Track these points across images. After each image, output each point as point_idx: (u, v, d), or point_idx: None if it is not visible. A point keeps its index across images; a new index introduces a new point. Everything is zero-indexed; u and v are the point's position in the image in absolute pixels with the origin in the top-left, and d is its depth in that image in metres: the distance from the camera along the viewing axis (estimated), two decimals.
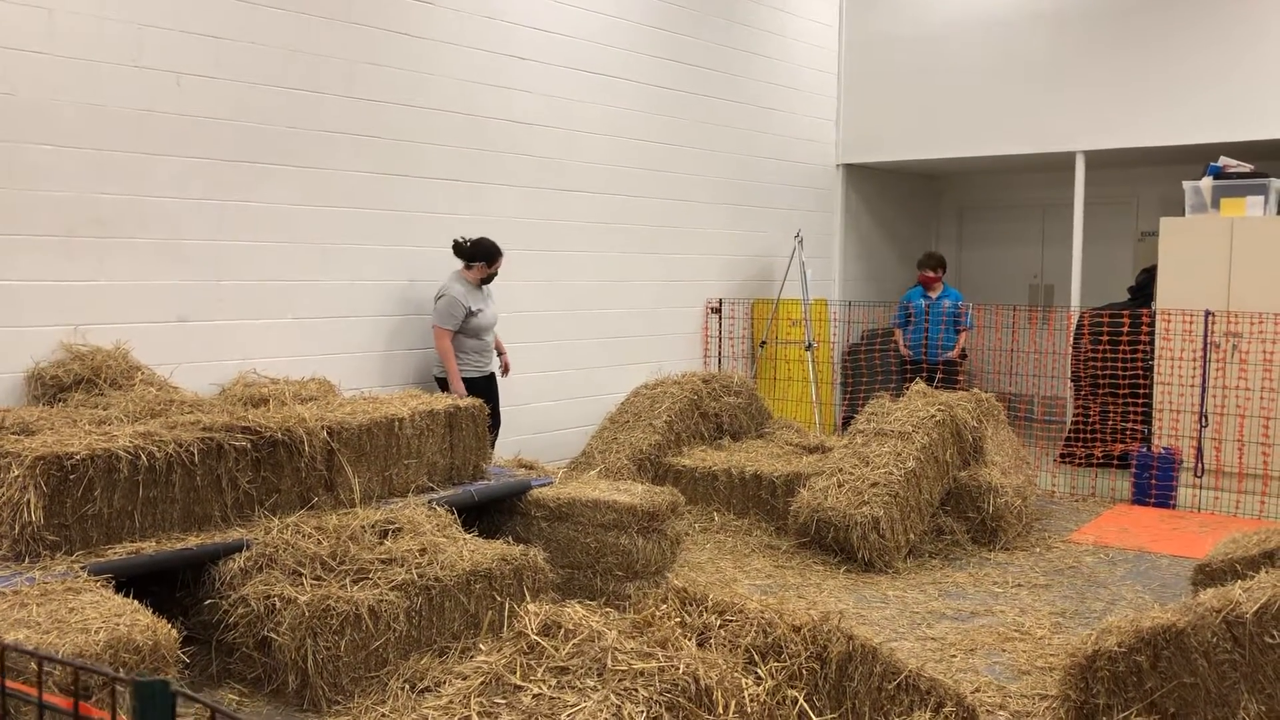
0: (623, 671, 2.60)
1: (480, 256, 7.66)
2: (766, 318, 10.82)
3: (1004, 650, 5.35)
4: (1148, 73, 10.28)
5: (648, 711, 2.49)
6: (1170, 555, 7.14)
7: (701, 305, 10.57)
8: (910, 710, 3.29)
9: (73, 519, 4.53)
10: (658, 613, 2.85)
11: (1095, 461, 9.31)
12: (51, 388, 5.95)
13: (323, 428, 5.46)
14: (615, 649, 2.67)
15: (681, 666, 2.59)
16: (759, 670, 2.83)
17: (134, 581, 4.51)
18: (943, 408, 7.29)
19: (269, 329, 7.19)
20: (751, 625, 2.95)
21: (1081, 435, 9.55)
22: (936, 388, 8.21)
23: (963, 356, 10.27)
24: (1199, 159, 9.87)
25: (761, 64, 11.10)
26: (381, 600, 4.65)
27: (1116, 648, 4.16)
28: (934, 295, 10.28)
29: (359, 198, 7.63)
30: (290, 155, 7.22)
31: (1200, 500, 8.49)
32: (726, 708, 2.60)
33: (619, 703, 2.51)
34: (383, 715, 4.32)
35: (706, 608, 3.03)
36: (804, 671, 2.88)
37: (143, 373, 6.28)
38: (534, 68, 8.78)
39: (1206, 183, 9.36)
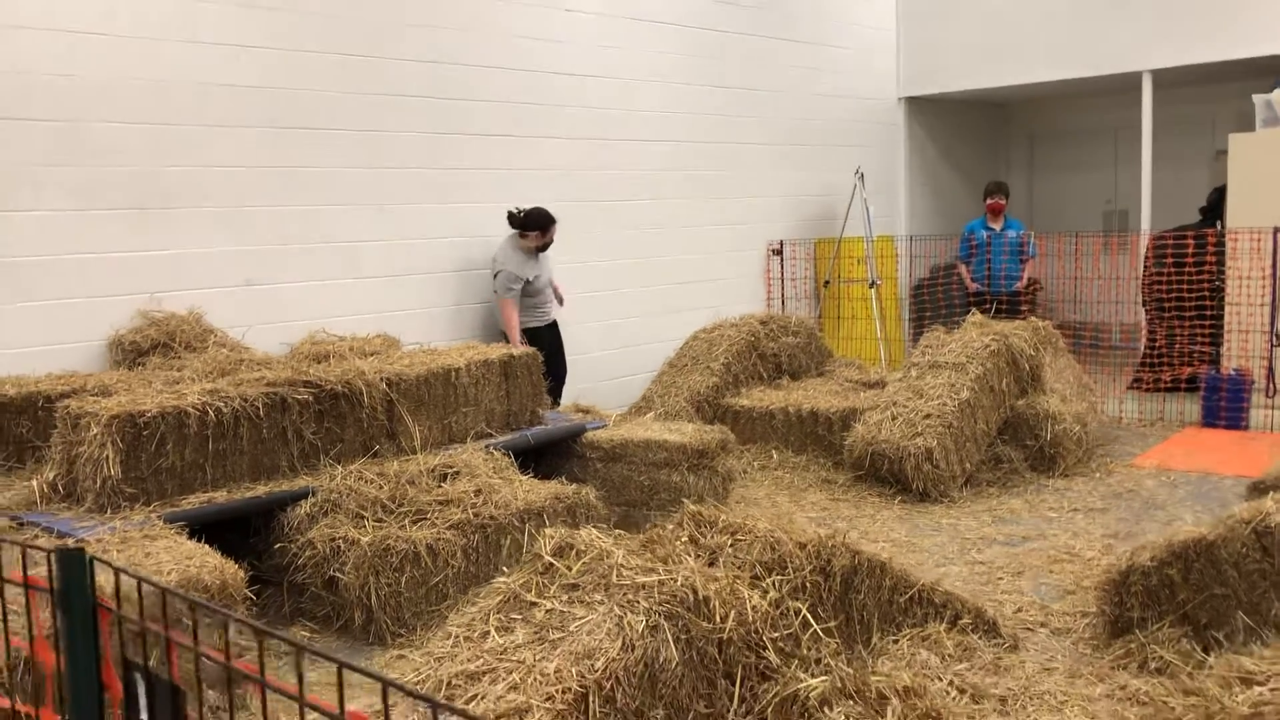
0: (626, 586, 2.77)
1: (534, 225, 7.84)
2: (829, 257, 10.83)
3: (1051, 572, 5.41)
4: None
5: (647, 620, 2.66)
6: (1235, 476, 7.07)
7: (762, 248, 10.62)
8: (924, 623, 3.41)
9: (148, 472, 4.84)
10: (663, 532, 3.01)
11: (1163, 386, 9.19)
12: (131, 353, 6.31)
13: (382, 380, 5.71)
14: (621, 565, 2.84)
15: (680, 579, 2.76)
16: (764, 584, 2.98)
17: (208, 529, 4.81)
18: (997, 337, 7.29)
19: (335, 289, 7.47)
20: (759, 543, 3.09)
21: (1149, 360, 9.43)
22: (1003, 319, 8.18)
23: (1034, 287, 10.17)
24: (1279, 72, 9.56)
25: None
26: (439, 539, 4.89)
27: (1149, 562, 4.22)
28: (998, 226, 10.18)
29: (417, 158, 7.85)
30: (346, 119, 7.46)
31: (1272, 420, 8.35)
32: (725, 617, 2.76)
33: (621, 614, 2.69)
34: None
35: (718, 529, 3.19)
36: (808, 585, 3.02)
37: (216, 335, 6.61)
38: (584, 19, 8.87)
39: (1277, 95, 9.10)
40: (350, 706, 1.04)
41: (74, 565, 1.25)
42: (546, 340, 7.79)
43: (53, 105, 6.19)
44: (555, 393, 7.63)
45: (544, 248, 7.90)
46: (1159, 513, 6.39)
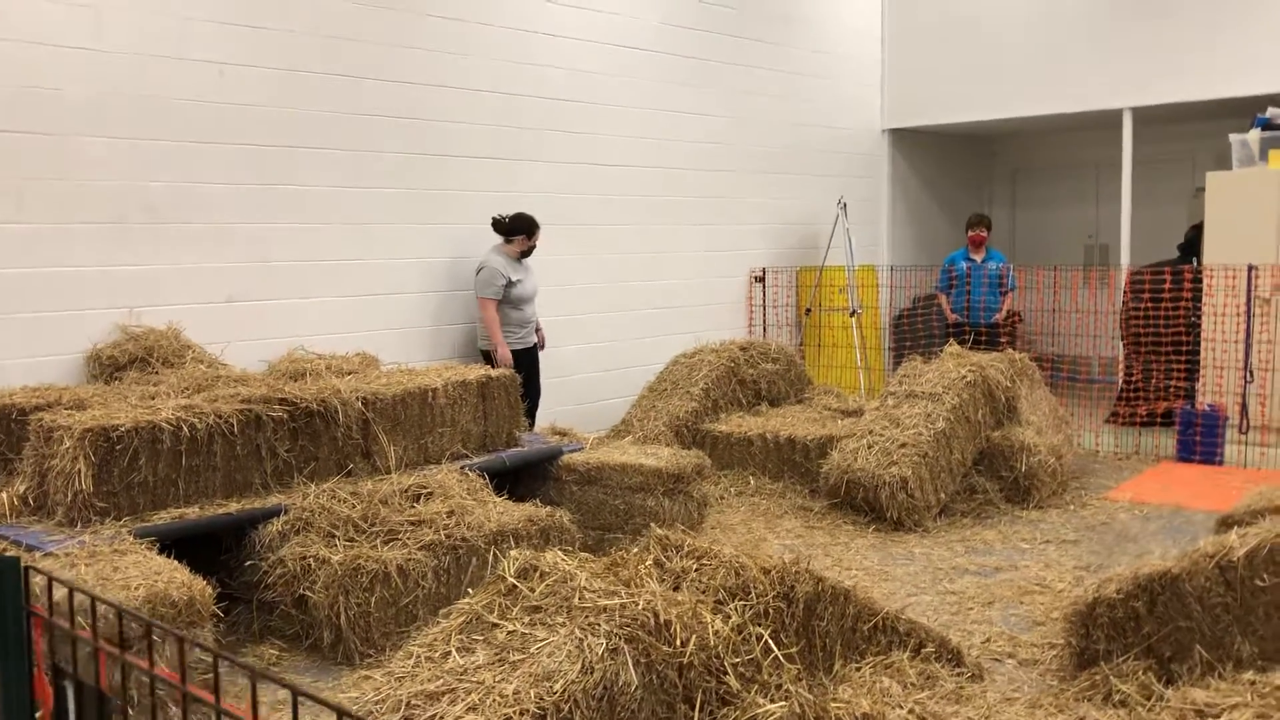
0: (588, 608, 2.78)
1: (520, 230, 7.89)
2: (811, 285, 10.89)
3: (1022, 603, 5.44)
4: (1193, 26, 10.11)
5: (607, 643, 2.67)
6: (1206, 511, 7.11)
7: (745, 275, 10.67)
8: (888, 650, 3.43)
9: (120, 487, 4.84)
10: (628, 555, 3.02)
11: (1140, 420, 9.25)
12: (108, 367, 6.31)
13: (358, 398, 5.72)
14: (584, 588, 2.85)
15: (642, 603, 2.77)
16: (726, 609, 2.99)
17: (179, 544, 4.80)
18: (974, 368, 7.34)
19: (316, 307, 7.49)
20: (724, 568, 3.11)
21: (1126, 394, 9.51)
22: (982, 350, 8.24)
23: (1015, 318, 10.25)
24: (1258, 111, 9.68)
25: (802, 31, 11.13)
26: (410, 559, 4.89)
27: (1115, 594, 4.24)
28: (979, 257, 10.26)
29: (399, 178, 7.89)
30: (331, 139, 7.50)
31: (1245, 456, 8.41)
32: (686, 641, 2.77)
33: (582, 636, 2.70)
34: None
35: (683, 554, 3.20)
36: (770, 610, 3.03)
37: (194, 351, 6.61)
38: (567, 44, 8.94)
39: (1254, 135, 9.21)
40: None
41: (8, 573, 1.27)
42: (524, 364, 7.80)
43: (39, 118, 6.21)
44: (529, 415, 7.64)
45: (528, 253, 7.94)
46: (1131, 546, 6.42)
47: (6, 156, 6.11)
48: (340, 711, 1.02)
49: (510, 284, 7.78)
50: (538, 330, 8.21)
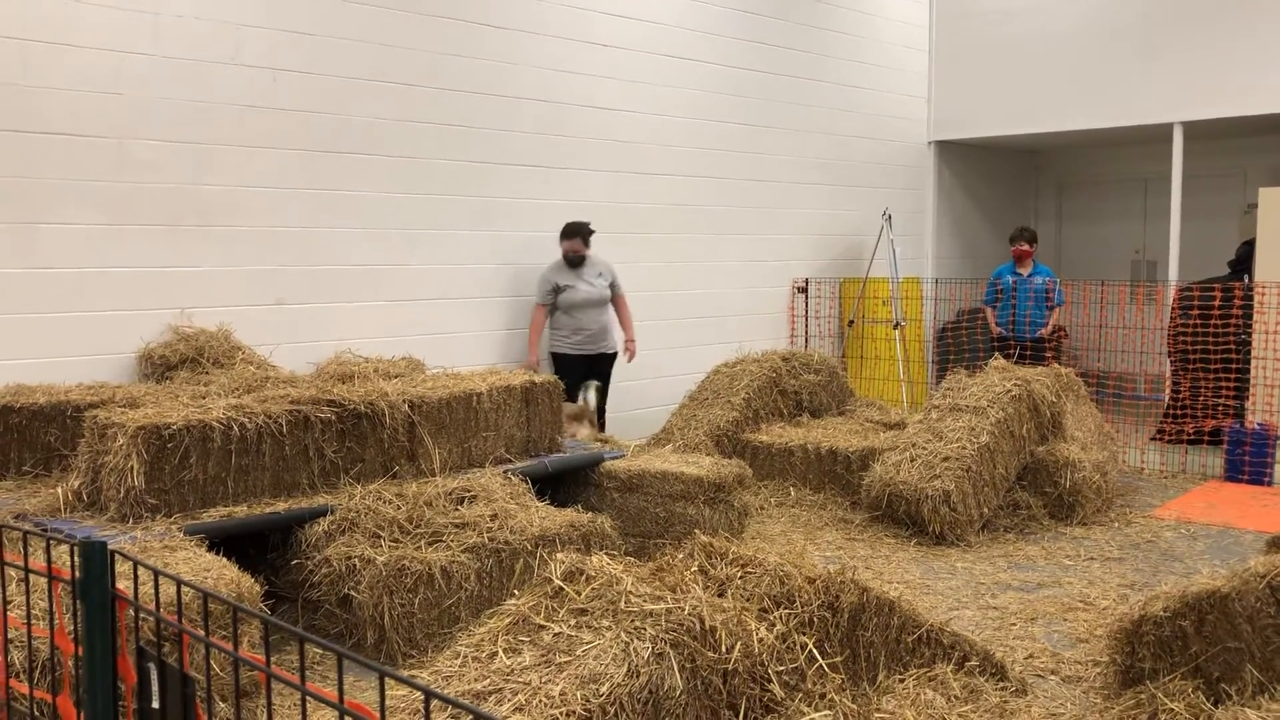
0: (634, 612, 2.80)
1: (562, 233, 8.07)
2: (854, 297, 10.86)
3: (1065, 620, 5.39)
4: (1245, 39, 9.99)
5: (653, 648, 2.69)
6: (1256, 531, 7.02)
7: (788, 285, 10.66)
8: (932, 663, 3.42)
9: (171, 484, 4.92)
10: (673, 561, 3.04)
11: (1186, 438, 9.14)
12: (160, 366, 6.42)
13: (404, 401, 5.77)
14: (630, 592, 2.87)
15: (688, 608, 2.78)
16: (771, 617, 3.00)
17: (227, 542, 4.88)
18: (1019, 383, 7.28)
19: (363, 311, 7.57)
20: (769, 576, 3.12)
21: (1173, 411, 9.39)
22: (1026, 364, 8.18)
23: (1061, 334, 10.15)
24: None
25: (849, 42, 11.11)
26: (454, 561, 4.93)
27: (1162, 613, 4.20)
28: (1025, 271, 10.19)
29: (448, 185, 7.97)
30: (380, 145, 7.59)
31: None
32: (731, 648, 2.78)
33: (628, 640, 2.72)
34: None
35: (728, 561, 3.21)
36: (815, 620, 3.04)
37: (244, 352, 6.71)
38: (616, 54, 8.99)
39: None
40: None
41: (94, 557, 1.31)
42: (577, 370, 7.86)
43: (99, 122, 6.34)
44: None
45: (570, 259, 8.04)
46: (1177, 564, 6.35)
47: (71, 158, 6.24)
48: (428, 693, 1.04)
49: (558, 289, 7.89)
50: (629, 343, 8.31)
